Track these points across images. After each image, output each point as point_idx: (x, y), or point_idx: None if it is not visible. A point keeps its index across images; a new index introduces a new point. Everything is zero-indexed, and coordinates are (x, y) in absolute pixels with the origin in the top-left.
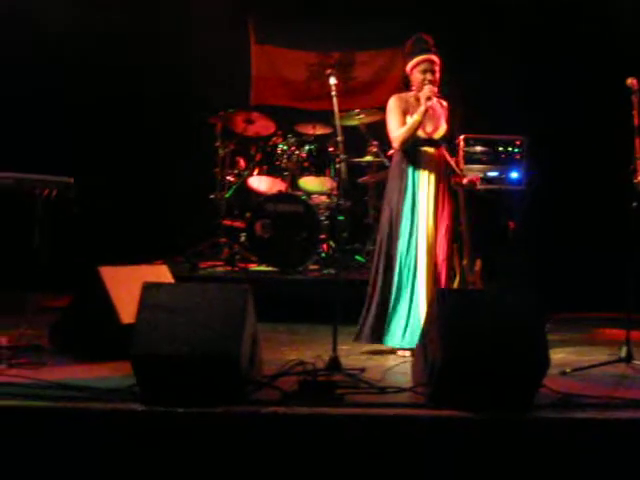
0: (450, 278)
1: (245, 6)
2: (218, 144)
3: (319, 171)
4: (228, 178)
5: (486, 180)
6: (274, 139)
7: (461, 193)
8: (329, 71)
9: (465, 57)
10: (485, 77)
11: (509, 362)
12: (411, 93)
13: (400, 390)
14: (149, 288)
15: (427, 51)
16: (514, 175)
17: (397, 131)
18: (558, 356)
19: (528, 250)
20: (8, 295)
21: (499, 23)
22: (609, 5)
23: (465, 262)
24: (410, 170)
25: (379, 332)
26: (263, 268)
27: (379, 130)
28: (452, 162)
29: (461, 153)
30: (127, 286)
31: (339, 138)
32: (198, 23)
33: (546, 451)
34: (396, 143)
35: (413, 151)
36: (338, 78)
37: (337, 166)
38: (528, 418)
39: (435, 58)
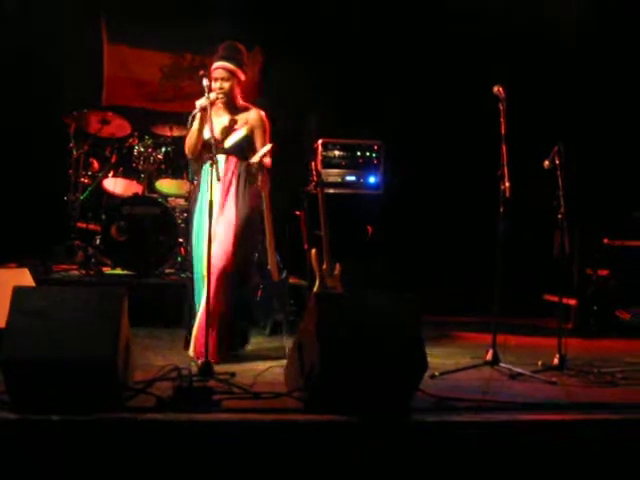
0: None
1: (98, 4)
2: (72, 145)
3: (176, 174)
4: (82, 180)
5: (344, 184)
6: (130, 140)
7: (320, 198)
8: (202, 72)
9: (324, 62)
10: (345, 81)
11: (387, 365)
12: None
13: (277, 395)
14: (20, 292)
15: (221, 58)
16: (372, 179)
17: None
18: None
19: (387, 254)
20: None
21: (355, 24)
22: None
23: (325, 267)
24: (202, 176)
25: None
26: (118, 272)
27: None
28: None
29: (319, 157)
30: None
31: (213, 140)
32: (52, 20)
33: (425, 454)
34: (186, 151)
35: (206, 158)
36: (193, 80)
37: (210, 168)
38: (407, 422)
39: (229, 66)
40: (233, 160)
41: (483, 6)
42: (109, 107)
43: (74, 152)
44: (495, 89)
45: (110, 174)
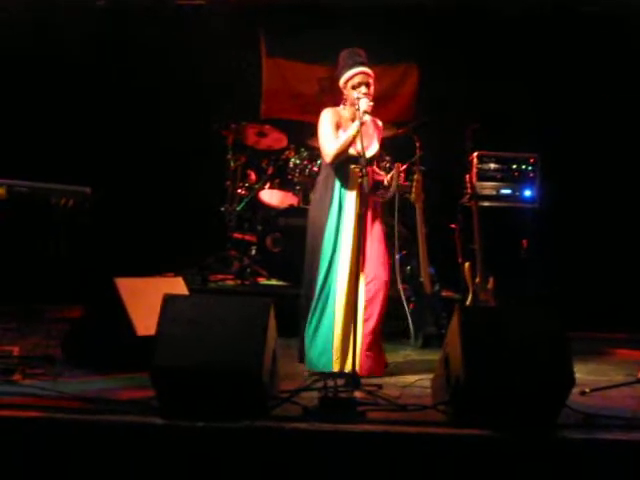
0: (387, 300)
1: (256, 19)
2: (229, 157)
3: None
4: (239, 191)
5: (499, 197)
6: (286, 153)
7: (475, 211)
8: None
9: (481, 74)
10: (501, 94)
11: (533, 380)
12: (344, 107)
13: (422, 408)
14: (171, 300)
15: (360, 64)
16: (527, 193)
17: (330, 145)
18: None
19: (541, 268)
20: (22, 305)
21: (513, 40)
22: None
23: (478, 280)
24: (337, 189)
25: (302, 354)
26: (273, 282)
27: (391, 145)
28: (385, 179)
29: (474, 170)
30: (143, 298)
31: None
32: (209, 36)
33: (571, 472)
34: (329, 158)
35: (341, 169)
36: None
37: (359, 180)
38: (553, 438)
39: (369, 71)
40: (370, 172)
41: None
42: (267, 120)
43: (232, 164)
44: None
45: (266, 186)
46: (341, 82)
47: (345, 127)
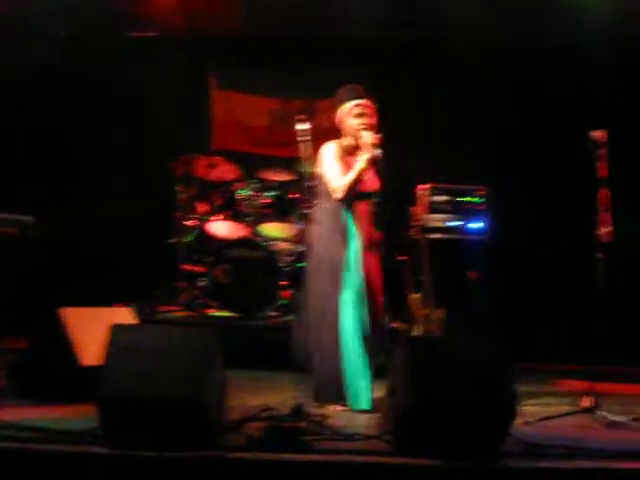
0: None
1: (205, 52)
2: (179, 188)
3: (281, 217)
4: (188, 223)
5: (448, 229)
6: (236, 184)
7: (424, 243)
8: (298, 117)
9: (430, 107)
10: (451, 126)
11: (477, 409)
12: (346, 140)
13: (367, 437)
14: (118, 329)
15: (359, 97)
16: (476, 225)
17: (339, 180)
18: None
19: (489, 300)
20: None
21: (461, 73)
22: (575, 60)
23: (427, 311)
24: (349, 223)
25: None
26: (223, 314)
27: None
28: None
29: (425, 201)
30: (88, 328)
31: (308, 184)
32: (159, 69)
33: None
34: (340, 193)
35: (349, 203)
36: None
37: (305, 212)
38: (496, 467)
39: (369, 103)
40: (370, 206)
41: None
42: (218, 152)
43: (181, 195)
44: (595, 134)
45: (216, 217)
46: (342, 114)
47: (345, 160)
